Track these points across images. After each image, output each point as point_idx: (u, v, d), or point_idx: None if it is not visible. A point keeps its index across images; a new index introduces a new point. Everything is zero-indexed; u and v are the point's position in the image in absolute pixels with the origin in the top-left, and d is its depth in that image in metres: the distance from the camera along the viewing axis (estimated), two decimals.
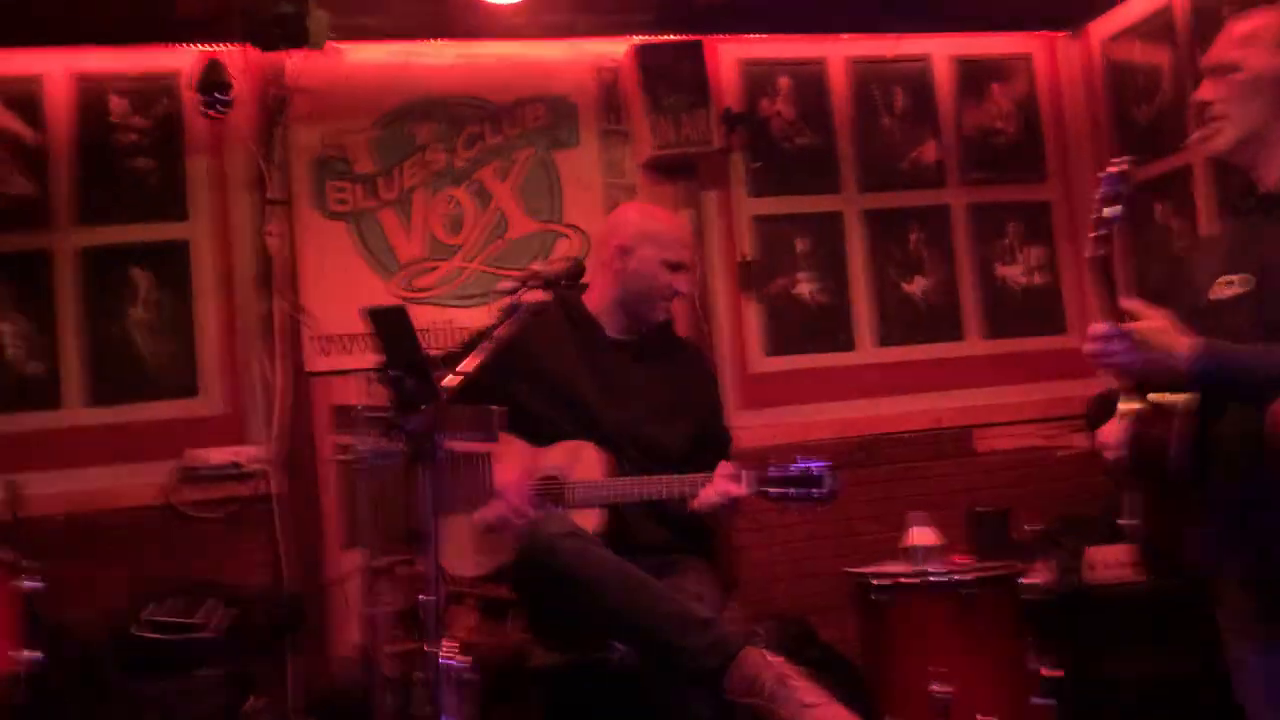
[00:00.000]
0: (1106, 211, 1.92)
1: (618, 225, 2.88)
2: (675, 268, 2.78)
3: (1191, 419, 1.89)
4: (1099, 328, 1.92)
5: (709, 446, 2.72)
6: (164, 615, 3.19)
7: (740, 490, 2.51)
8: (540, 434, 2.68)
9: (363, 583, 3.02)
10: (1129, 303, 1.94)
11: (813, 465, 2.46)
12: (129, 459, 3.44)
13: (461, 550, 2.64)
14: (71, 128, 3.55)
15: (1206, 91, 2.02)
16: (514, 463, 2.62)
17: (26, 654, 2.61)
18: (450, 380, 2.14)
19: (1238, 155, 2.02)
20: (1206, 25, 3.61)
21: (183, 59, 3.56)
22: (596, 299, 2.82)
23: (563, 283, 2.57)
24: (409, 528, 2.52)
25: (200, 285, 3.58)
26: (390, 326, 2.02)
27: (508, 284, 2.51)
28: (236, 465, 3.47)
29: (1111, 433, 2.06)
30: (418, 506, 2.03)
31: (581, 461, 2.68)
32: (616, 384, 2.75)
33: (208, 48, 3.53)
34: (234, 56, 3.54)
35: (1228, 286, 1.98)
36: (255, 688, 3.27)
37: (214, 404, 3.55)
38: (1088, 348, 1.95)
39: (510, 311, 2.44)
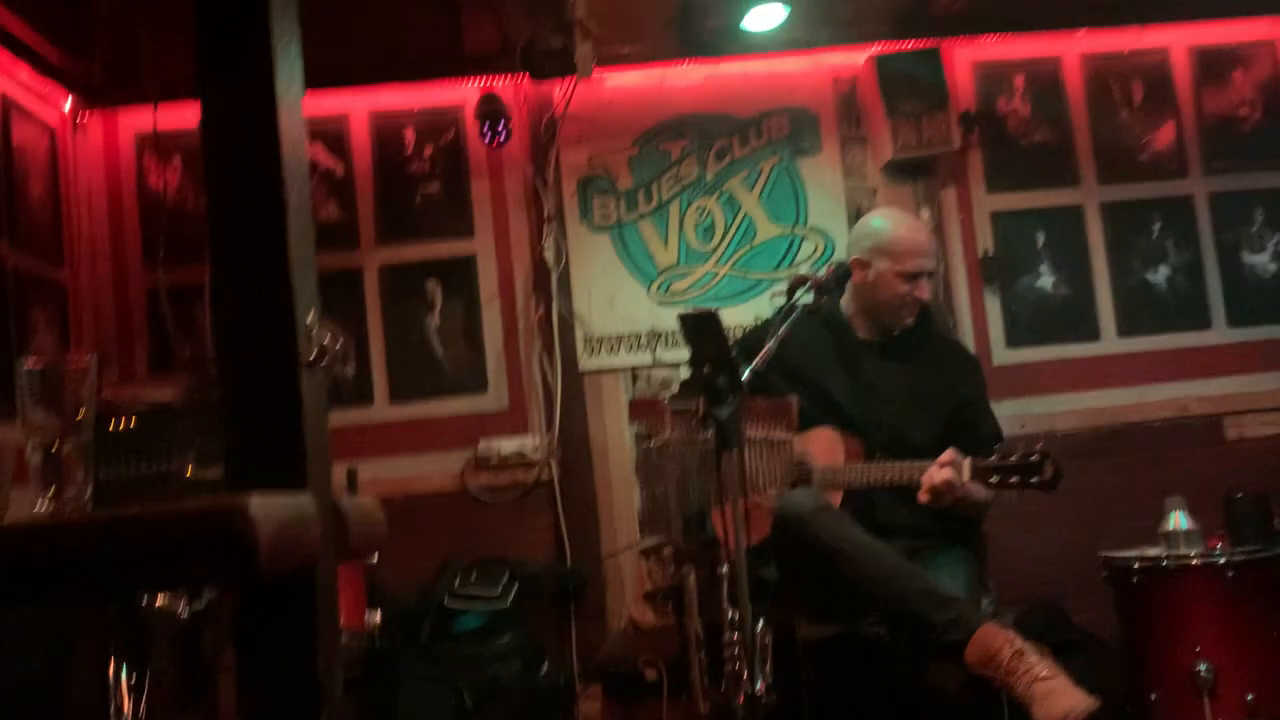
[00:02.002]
0: None
1: (857, 237, 3.06)
2: (912, 278, 2.93)
3: None
4: None
5: (967, 439, 2.85)
6: (467, 588, 3.61)
7: (955, 477, 2.65)
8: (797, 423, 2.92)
9: (645, 560, 3.33)
10: None
11: (1033, 453, 2.58)
12: (429, 449, 3.85)
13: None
14: (371, 159, 4.00)
15: None
16: None
17: (374, 615, 3.04)
18: (745, 376, 2.41)
19: None
20: None
21: (465, 93, 3.96)
22: (848, 303, 3.05)
23: (830, 286, 2.81)
24: (705, 509, 2.82)
25: (485, 294, 3.95)
26: (701, 329, 2.28)
27: (784, 287, 2.77)
28: (521, 454, 3.85)
29: None
30: (720, 488, 2.29)
31: (828, 446, 2.89)
32: (865, 382, 2.94)
33: (486, 81, 3.92)
34: (509, 88, 3.93)
35: None
36: (544, 653, 3.65)
37: (500, 399, 3.92)
38: None
39: (787, 313, 2.69)
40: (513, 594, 3.60)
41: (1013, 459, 2.63)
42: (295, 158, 1.39)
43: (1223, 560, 2.91)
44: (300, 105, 1.49)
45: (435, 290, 3.96)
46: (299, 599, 1.21)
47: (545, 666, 3.57)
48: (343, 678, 1.30)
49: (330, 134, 3.97)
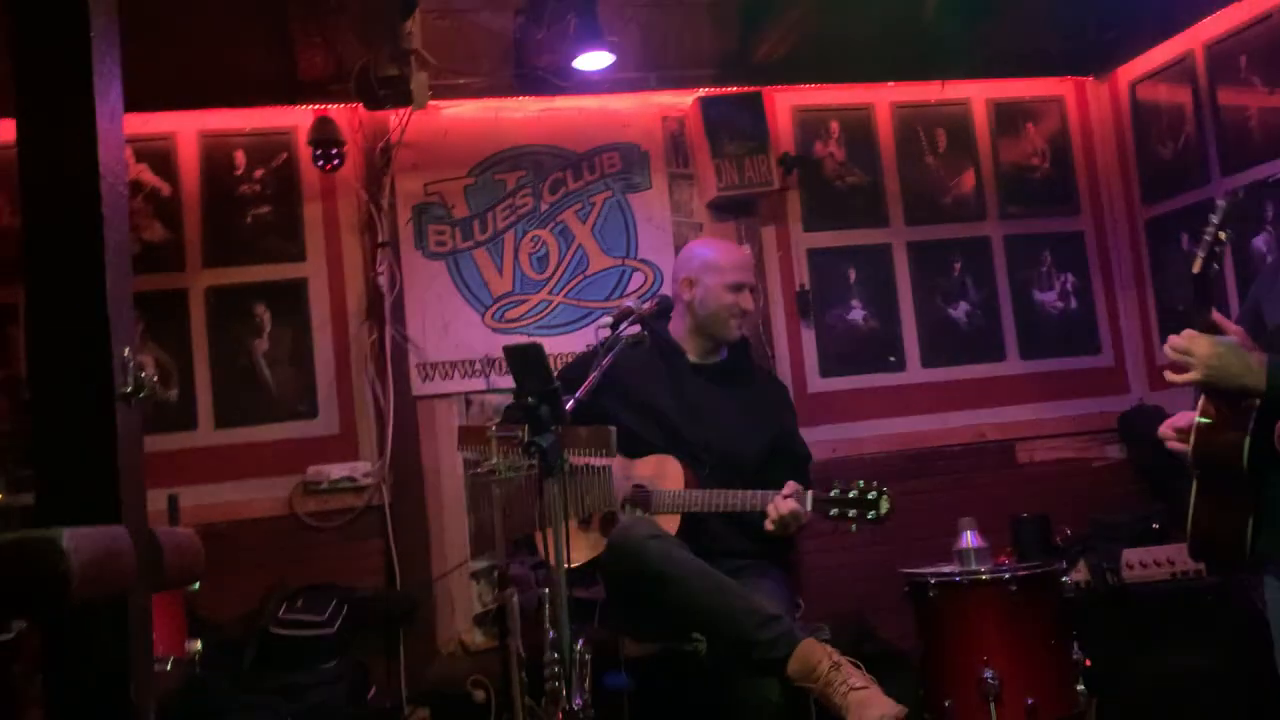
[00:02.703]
0: (1221, 234, 2.09)
1: (683, 261, 3.28)
2: (737, 289, 3.15)
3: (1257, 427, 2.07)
4: (1179, 342, 2.11)
5: (784, 461, 3.07)
6: (293, 614, 3.58)
7: (800, 509, 2.85)
8: (631, 448, 3.05)
9: (475, 583, 3.39)
10: (1217, 316, 2.12)
11: (871, 489, 2.80)
12: (257, 474, 3.81)
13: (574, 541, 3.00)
14: (199, 180, 3.94)
15: None
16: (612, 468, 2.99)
17: (193, 644, 3.00)
18: (568, 404, 2.53)
19: None
20: (1224, 70, 3.94)
21: (298, 117, 3.96)
22: (677, 328, 3.21)
23: (654, 317, 2.97)
24: (530, 533, 2.91)
25: (317, 318, 3.94)
26: (526, 360, 2.39)
27: (608, 319, 2.90)
28: (351, 479, 3.84)
29: (1172, 425, 2.28)
30: (543, 513, 2.39)
31: (666, 472, 3.04)
32: (697, 403, 3.11)
33: (321, 107, 3.93)
34: (344, 113, 3.94)
35: None
36: (370, 680, 3.65)
37: (331, 424, 3.91)
38: (1171, 343, 2.13)
39: (612, 344, 2.83)
40: (340, 620, 3.59)
41: (851, 494, 2.82)
42: (115, 194, 1.43)
43: (1007, 575, 3.14)
44: (121, 139, 1.51)
45: (264, 314, 3.93)
46: (111, 629, 1.24)
47: (372, 691, 3.58)
48: (157, 706, 1.32)
49: (156, 153, 3.90)
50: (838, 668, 2.62)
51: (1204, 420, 2.15)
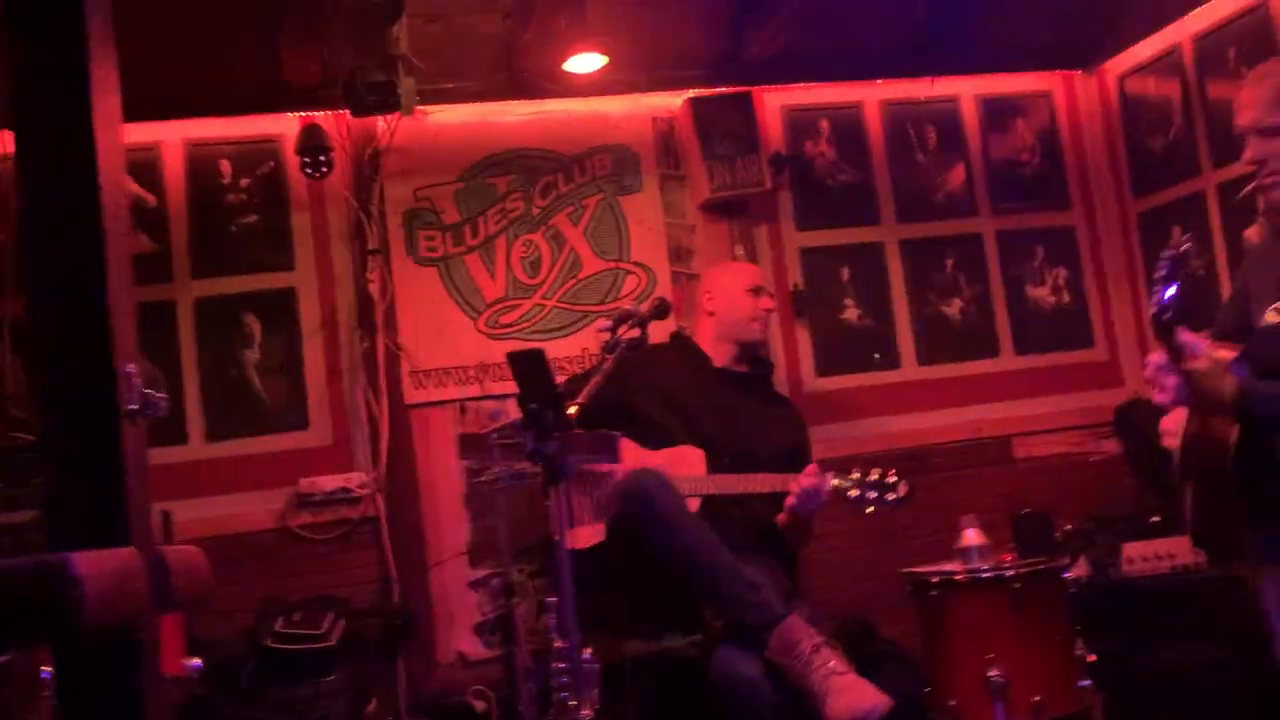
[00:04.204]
0: (1167, 292, 2.04)
1: (703, 282, 3.49)
2: (756, 291, 3.29)
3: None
4: (1157, 361, 2.14)
5: (797, 467, 3.05)
6: (290, 628, 3.53)
7: (823, 484, 2.84)
8: (656, 440, 3.06)
9: (476, 592, 3.36)
10: (1191, 338, 2.08)
11: (890, 473, 2.80)
12: (249, 488, 3.76)
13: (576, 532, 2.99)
14: (186, 190, 3.90)
15: (1258, 150, 2.20)
16: (629, 457, 2.99)
17: (193, 662, 2.96)
18: (571, 410, 2.49)
19: None
20: (1212, 63, 3.95)
21: (285, 125, 3.92)
22: (702, 337, 3.32)
23: (650, 319, 2.94)
24: (535, 541, 2.88)
25: (307, 328, 3.91)
26: (529, 366, 2.35)
27: (607, 322, 2.88)
28: (345, 490, 3.80)
29: (1174, 419, 2.26)
30: (548, 520, 2.36)
31: (685, 461, 3.06)
32: (722, 403, 3.17)
33: (308, 114, 3.89)
34: (331, 121, 3.91)
35: (1277, 314, 2.19)
36: (370, 692, 3.62)
37: (323, 435, 3.87)
38: (1147, 374, 2.18)
39: (612, 347, 2.80)
40: (338, 632, 3.55)
41: (871, 476, 2.82)
42: (115, 205, 1.39)
43: (1010, 573, 3.12)
44: (121, 149, 1.48)
45: (254, 324, 3.89)
46: (123, 653, 1.21)
47: (373, 704, 3.54)
48: None
49: (141, 164, 3.85)
50: (818, 650, 2.60)
51: (1193, 418, 2.16)
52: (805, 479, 2.85)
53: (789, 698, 2.61)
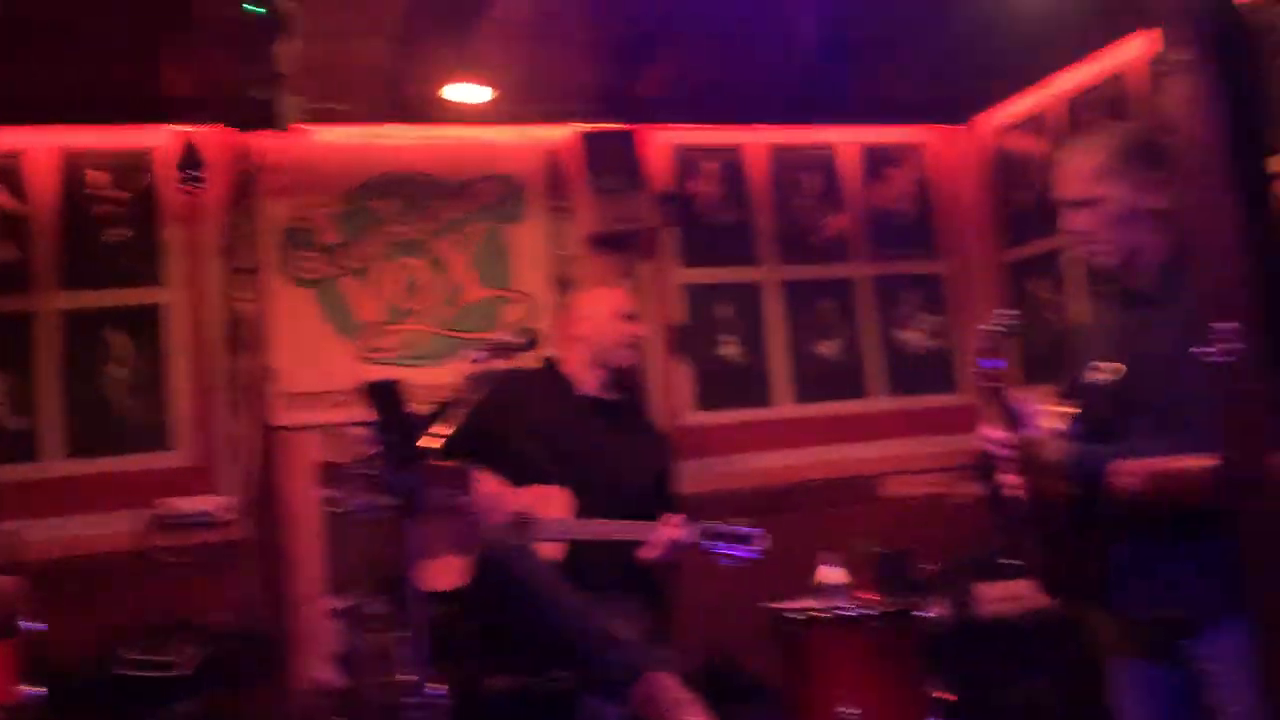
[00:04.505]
0: (986, 365, 2.17)
1: (572, 309, 3.35)
2: (627, 317, 3.24)
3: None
4: (991, 434, 2.20)
5: (663, 503, 3.08)
6: (142, 654, 3.42)
7: (685, 537, 2.88)
8: (523, 473, 3.04)
9: (336, 622, 3.30)
10: (1022, 406, 2.20)
11: (747, 526, 2.84)
12: (105, 508, 3.65)
13: (433, 572, 2.96)
14: (53, 199, 3.78)
15: (1077, 223, 2.26)
16: (492, 492, 2.98)
17: (30, 689, 2.84)
18: (430, 442, 2.49)
19: (1121, 269, 2.26)
20: (1079, 124, 4.14)
21: (160, 137, 3.84)
22: (571, 364, 3.25)
23: (522, 349, 2.95)
24: (389, 573, 2.85)
25: (174, 346, 3.81)
26: (385, 397, 2.34)
27: (478, 353, 2.87)
28: (206, 514, 3.71)
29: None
30: (403, 552, 2.35)
31: (551, 501, 3.03)
32: (589, 436, 3.14)
33: (185, 128, 3.80)
34: (209, 136, 3.83)
35: (1106, 373, 2.27)
36: None
37: (185, 456, 3.77)
38: (981, 443, 2.24)
39: (479, 379, 2.80)
40: (195, 659, 3.45)
41: (730, 529, 2.86)
42: None
43: (870, 612, 3.20)
44: None
45: (120, 340, 3.78)
46: None
47: None
48: None
49: (7, 171, 3.73)
50: (678, 704, 2.63)
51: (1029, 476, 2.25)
52: (669, 532, 2.87)
53: None
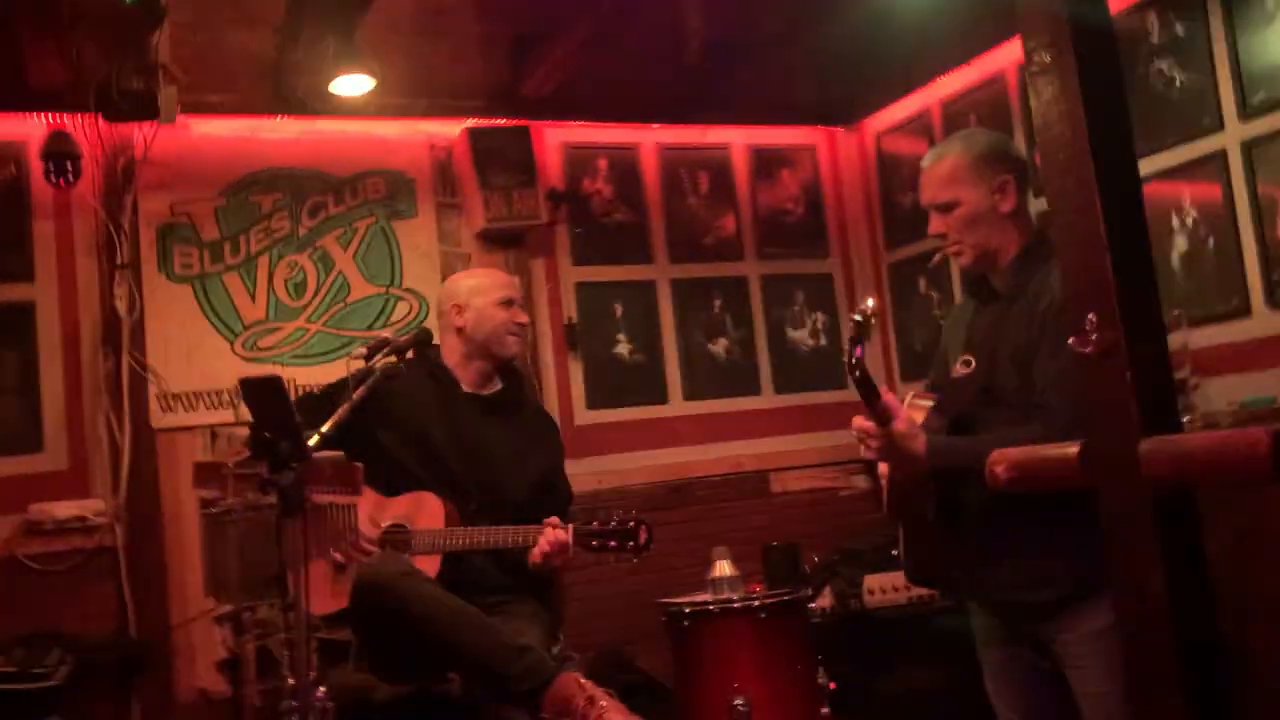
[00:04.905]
0: (857, 350, 2.22)
1: (449, 291, 3.19)
2: (508, 304, 3.10)
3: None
4: (861, 424, 2.30)
5: (550, 497, 3.04)
6: (10, 666, 3.27)
7: (567, 539, 2.85)
8: (396, 480, 2.95)
9: (219, 627, 3.20)
10: (889, 399, 2.28)
11: (630, 521, 2.83)
12: None
13: (314, 591, 2.89)
14: None
15: (938, 226, 2.40)
16: (363, 509, 2.89)
17: None
18: (312, 439, 2.42)
19: (979, 267, 2.42)
20: (956, 127, 4.25)
21: (30, 128, 3.68)
22: (451, 358, 3.14)
23: (411, 350, 2.89)
24: (272, 575, 2.77)
25: (46, 345, 3.66)
26: (264, 394, 2.27)
27: (362, 350, 2.81)
28: (81, 519, 3.56)
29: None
30: (285, 555, 2.28)
31: (425, 510, 2.95)
32: (468, 435, 3.03)
33: (57, 118, 3.65)
34: (83, 127, 3.67)
35: (964, 366, 2.41)
36: None
37: (58, 459, 3.62)
38: (854, 433, 2.33)
39: (364, 376, 2.73)
40: (64, 670, 3.31)
41: (612, 525, 2.82)
42: None
43: (756, 603, 3.24)
44: None
45: None
46: None
47: None
48: None
49: None
50: (592, 701, 2.62)
51: (894, 473, 2.36)
52: (547, 540, 2.83)
53: None
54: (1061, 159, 2.02)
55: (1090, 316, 1.86)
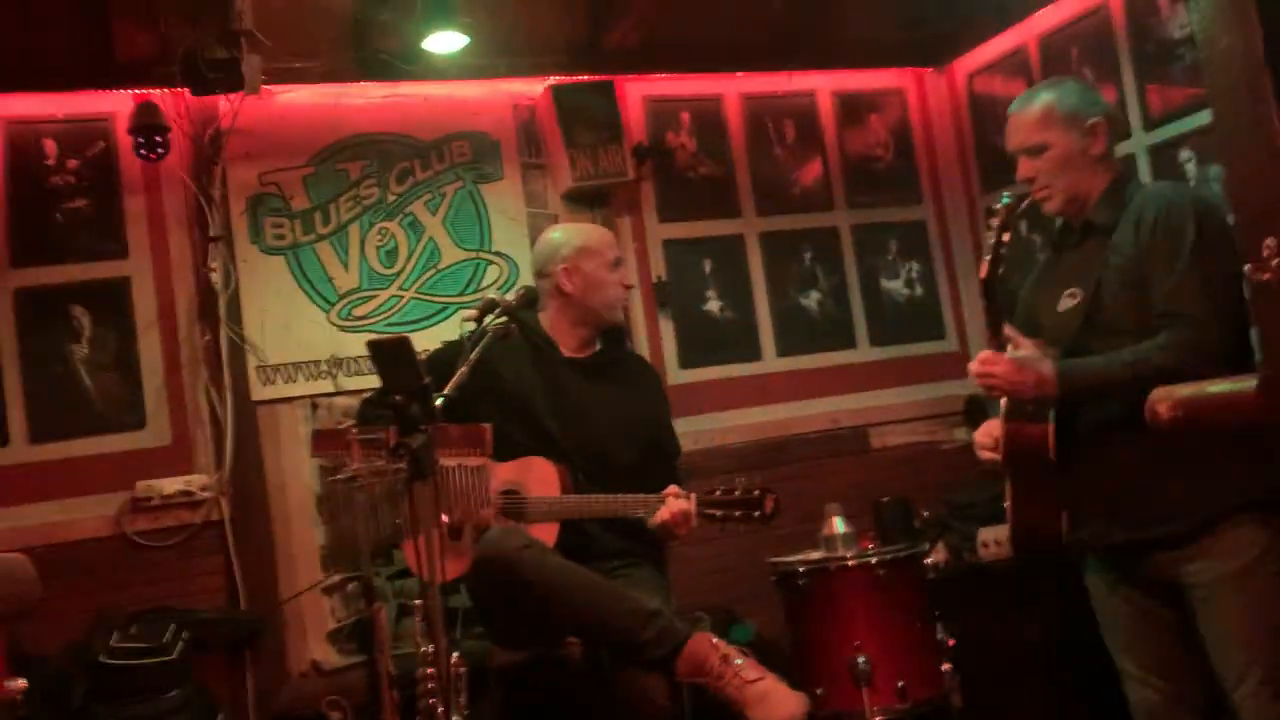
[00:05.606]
0: (1004, 236, 2.29)
1: (553, 251, 3.08)
2: (617, 264, 3.05)
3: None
4: (985, 355, 2.30)
5: (657, 458, 2.99)
6: (127, 642, 3.29)
7: (690, 509, 2.76)
8: (501, 449, 2.91)
9: (328, 598, 3.19)
10: (1009, 330, 2.31)
11: (755, 489, 2.76)
12: (79, 492, 3.50)
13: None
14: (4, 171, 3.58)
15: (1027, 170, 2.43)
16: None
17: (17, 682, 2.70)
18: (437, 402, 2.38)
19: (1066, 211, 2.46)
20: (1056, 63, 4.10)
21: (118, 103, 3.66)
22: (550, 322, 3.07)
23: (519, 309, 2.83)
24: (395, 541, 2.74)
25: (142, 320, 3.65)
26: (392, 356, 2.23)
27: (473, 312, 2.76)
28: (187, 494, 3.57)
29: (986, 433, 2.48)
30: (414, 520, 2.24)
31: (536, 474, 2.90)
32: (571, 401, 2.98)
33: (143, 92, 3.63)
34: (169, 100, 3.65)
35: (1070, 298, 2.41)
36: (216, 707, 3.40)
37: (161, 435, 3.63)
38: (974, 369, 2.32)
39: (479, 336, 2.69)
40: (180, 645, 3.32)
41: (736, 494, 2.75)
42: None
43: (874, 560, 3.17)
44: None
45: (83, 317, 3.61)
46: None
47: (219, 719, 3.33)
48: None
49: None
50: (727, 660, 2.57)
51: (1010, 420, 2.32)
52: (673, 505, 2.76)
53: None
54: (1231, 73, 1.90)
55: (1268, 241, 1.76)
